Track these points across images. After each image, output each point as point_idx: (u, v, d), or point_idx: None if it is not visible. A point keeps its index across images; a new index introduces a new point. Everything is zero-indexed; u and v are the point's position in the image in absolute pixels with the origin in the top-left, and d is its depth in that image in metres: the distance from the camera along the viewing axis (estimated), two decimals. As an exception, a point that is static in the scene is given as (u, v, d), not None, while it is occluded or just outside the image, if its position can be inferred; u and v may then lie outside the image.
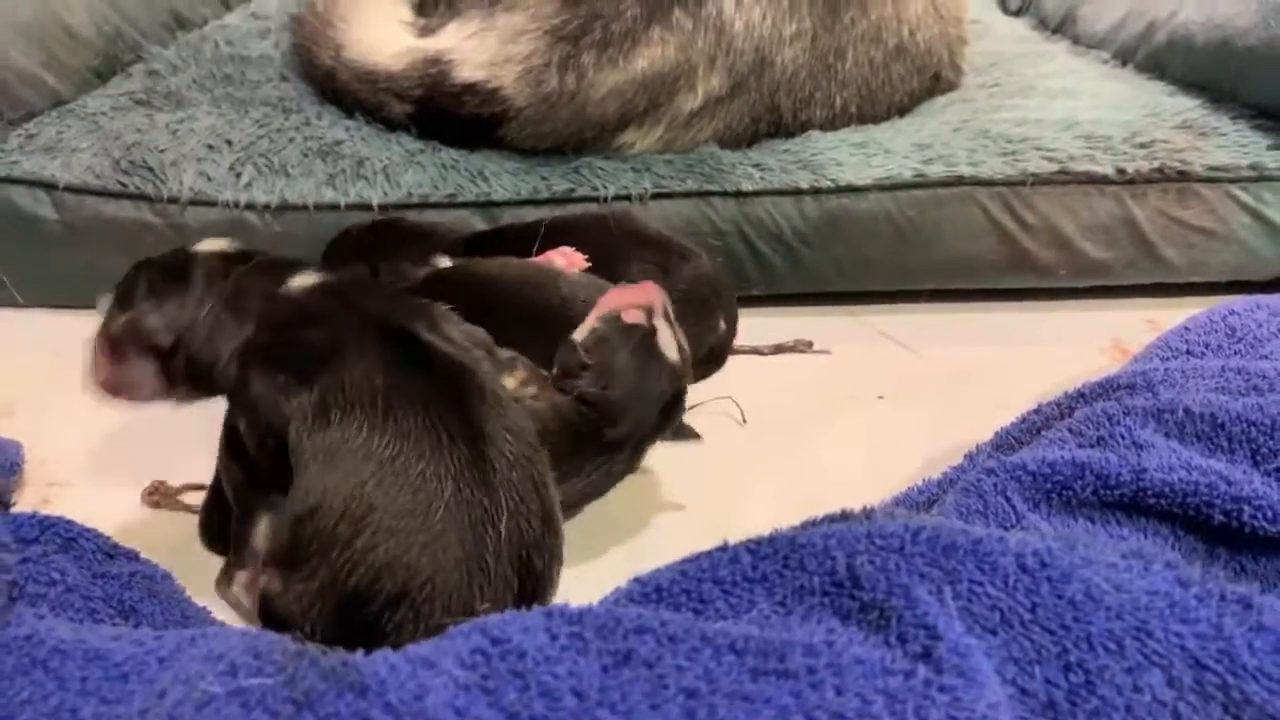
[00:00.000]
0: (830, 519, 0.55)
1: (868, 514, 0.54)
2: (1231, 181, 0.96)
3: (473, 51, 0.99)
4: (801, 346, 0.93)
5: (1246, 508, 0.56)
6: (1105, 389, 0.69)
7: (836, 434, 0.83)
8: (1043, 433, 0.68)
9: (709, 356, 0.89)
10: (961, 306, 1.01)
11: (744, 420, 0.83)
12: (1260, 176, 0.96)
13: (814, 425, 0.84)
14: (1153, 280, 1.01)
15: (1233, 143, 0.99)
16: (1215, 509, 0.57)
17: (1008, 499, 0.58)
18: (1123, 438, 0.62)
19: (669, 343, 0.68)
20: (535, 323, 0.75)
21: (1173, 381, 0.68)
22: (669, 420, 0.70)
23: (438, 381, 0.56)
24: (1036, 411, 0.73)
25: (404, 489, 0.50)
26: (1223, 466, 0.59)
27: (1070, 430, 0.64)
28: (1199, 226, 0.97)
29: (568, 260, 0.83)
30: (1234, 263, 0.99)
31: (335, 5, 1.18)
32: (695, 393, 0.85)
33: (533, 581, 0.54)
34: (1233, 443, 0.61)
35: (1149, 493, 0.58)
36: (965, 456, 0.72)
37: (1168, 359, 0.74)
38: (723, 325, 0.90)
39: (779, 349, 0.93)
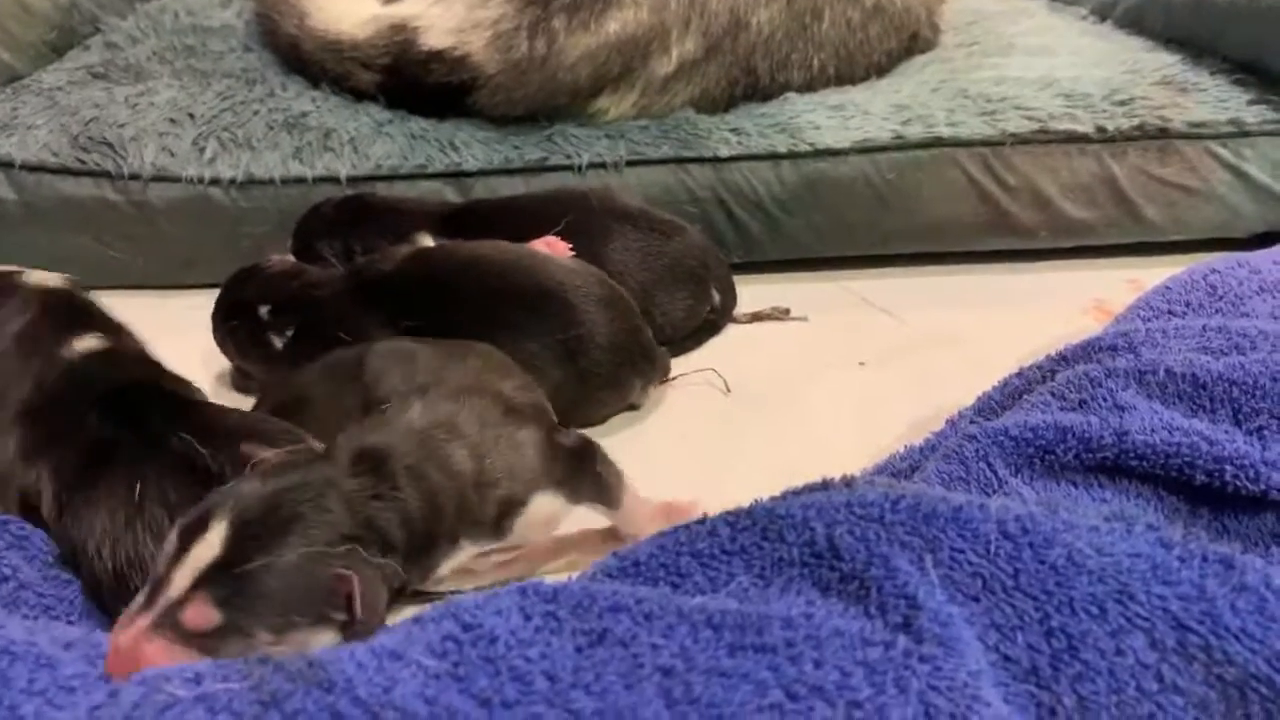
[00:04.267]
0: (810, 489, 0.54)
1: (847, 483, 0.53)
2: (1212, 138, 0.95)
3: (439, 17, 0.97)
4: (779, 314, 0.92)
5: (1229, 467, 0.56)
6: (1087, 351, 0.69)
7: (817, 401, 0.82)
8: (1024, 396, 0.67)
9: (704, 327, 0.89)
10: (942, 269, 1.00)
11: (728, 390, 0.82)
12: (1240, 132, 0.95)
13: (794, 393, 0.83)
14: (1134, 239, 1.00)
15: (1213, 99, 0.98)
16: (1198, 469, 0.57)
17: (989, 465, 0.58)
18: (1105, 400, 0.61)
19: None
20: (530, 304, 0.74)
21: (1154, 342, 0.67)
22: None
23: None
24: (1018, 375, 0.72)
25: None
26: (1205, 427, 0.58)
27: (1052, 393, 0.64)
28: (1179, 184, 0.96)
29: (551, 249, 0.81)
30: (1215, 220, 0.99)
31: (298, -28, 1.15)
32: (678, 364, 0.84)
33: None
34: (1215, 402, 0.60)
35: (1131, 455, 0.57)
36: (947, 422, 0.71)
37: (1149, 319, 0.74)
38: (716, 295, 0.89)
39: (756, 317, 0.92)
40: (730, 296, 0.91)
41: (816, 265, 0.99)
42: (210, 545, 0.46)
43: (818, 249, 0.98)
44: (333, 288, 0.78)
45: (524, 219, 0.84)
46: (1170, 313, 0.74)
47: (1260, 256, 0.80)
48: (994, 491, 0.57)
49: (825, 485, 0.54)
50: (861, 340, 0.89)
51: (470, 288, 0.75)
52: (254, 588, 0.45)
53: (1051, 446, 0.58)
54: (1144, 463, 0.57)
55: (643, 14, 0.96)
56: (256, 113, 0.99)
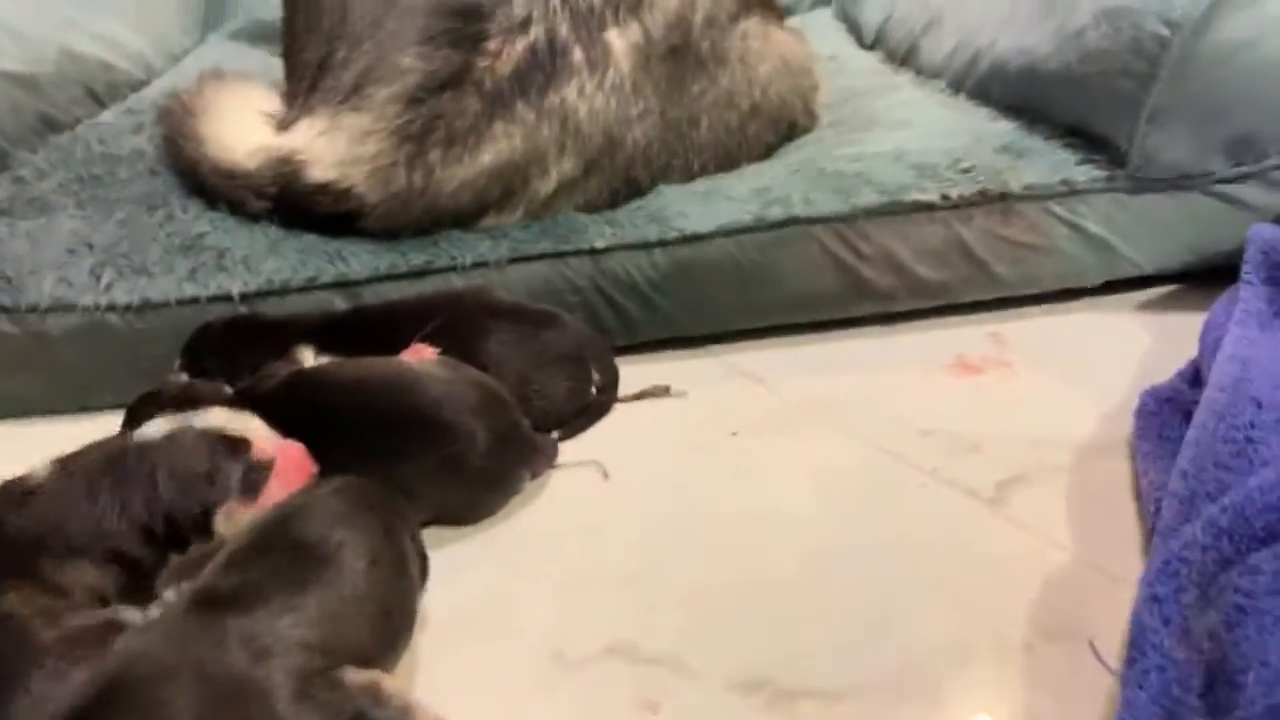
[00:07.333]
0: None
1: None
2: (1048, 198, 1.03)
3: (323, 151, 1.01)
4: (659, 391, 0.97)
5: None
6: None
7: (695, 472, 0.86)
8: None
9: (593, 407, 0.93)
10: (811, 338, 1.05)
11: (606, 477, 0.86)
12: (1072, 191, 1.03)
13: (672, 465, 0.87)
14: (990, 295, 1.06)
15: (1046, 162, 1.05)
16: None
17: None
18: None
19: None
20: (406, 428, 0.77)
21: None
22: None
23: None
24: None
25: None
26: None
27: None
28: (1024, 242, 1.03)
29: (419, 355, 0.85)
30: (1062, 272, 1.06)
31: (200, 95, 1.20)
32: (564, 450, 0.87)
33: None
34: None
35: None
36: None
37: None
38: (597, 376, 0.94)
39: (640, 396, 0.97)
40: (612, 373, 0.95)
41: (693, 343, 1.04)
42: None
43: (692, 327, 1.03)
44: None
45: (403, 322, 0.89)
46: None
47: None
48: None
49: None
50: (736, 411, 0.94)
51: (346, 415, 0.78)
52: None
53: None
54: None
55: (516, 142, 1.01)
56: (154, 238, 1.03)
